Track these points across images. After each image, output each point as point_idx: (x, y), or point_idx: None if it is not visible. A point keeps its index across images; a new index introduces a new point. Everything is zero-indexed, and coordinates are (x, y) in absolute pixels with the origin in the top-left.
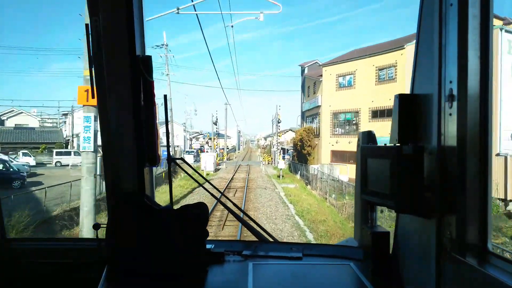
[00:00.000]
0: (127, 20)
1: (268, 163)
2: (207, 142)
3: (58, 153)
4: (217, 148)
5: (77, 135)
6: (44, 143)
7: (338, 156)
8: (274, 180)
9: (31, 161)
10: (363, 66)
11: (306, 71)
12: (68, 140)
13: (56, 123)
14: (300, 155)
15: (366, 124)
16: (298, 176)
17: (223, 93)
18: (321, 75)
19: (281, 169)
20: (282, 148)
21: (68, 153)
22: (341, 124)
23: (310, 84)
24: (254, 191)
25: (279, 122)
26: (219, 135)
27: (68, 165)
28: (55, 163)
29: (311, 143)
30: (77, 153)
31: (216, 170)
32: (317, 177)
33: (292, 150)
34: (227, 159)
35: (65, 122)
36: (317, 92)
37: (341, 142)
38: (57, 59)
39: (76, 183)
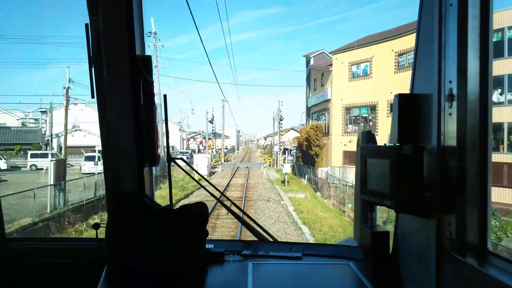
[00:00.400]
0: (127, 20)
1: (270, 164)
2: (200, 142)
3: (33, 155)
4: (213, 148)
5: (57, 135)
6: (20, 143)
7: (352, 158)
8: (278, 186)
9: (2, 164)
10: (380, 52)
11: (311, 62)
12: (48, 140)
13: (39, 121)
14: (306, 156)
15: (384, 119)
16: (304, 181)
17: (219, 88)
18: (330, 65)
19: (286, 173)
20: (284, 148)
21: (45, 155)
22: (354, 120)
23: (317, 76)
24: (254, 205)
25: (281, 120)
26: (215, 134)
27: (43, 169)
28: (30, 166)
29: (319, 143)
30: (55, 155)
31: (211, 173)
32: (328, 182)
33: (296, 151)
34: (224, 160)
35: (45, 120)
36: (325, 84)
37: (355, 141)
38: (42, 48)
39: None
